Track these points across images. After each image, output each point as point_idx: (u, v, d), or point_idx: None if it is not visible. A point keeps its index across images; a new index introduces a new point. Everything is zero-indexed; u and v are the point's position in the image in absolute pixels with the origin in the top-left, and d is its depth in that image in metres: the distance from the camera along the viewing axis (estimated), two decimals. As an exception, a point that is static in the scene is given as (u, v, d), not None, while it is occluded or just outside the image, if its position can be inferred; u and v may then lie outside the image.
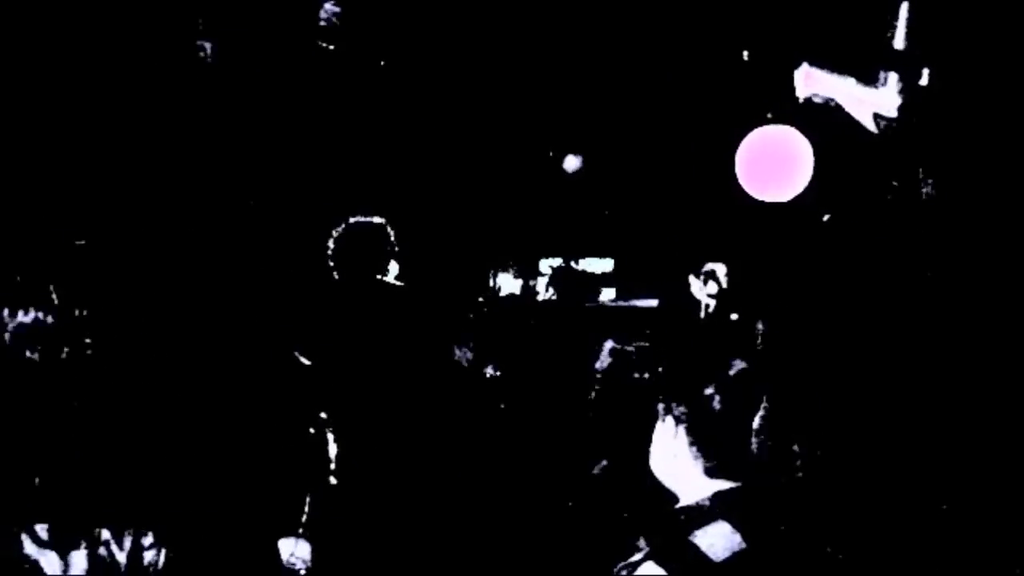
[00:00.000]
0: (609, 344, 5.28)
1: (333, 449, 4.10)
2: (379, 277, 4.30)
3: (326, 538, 3.94)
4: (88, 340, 2.67)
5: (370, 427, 4.13)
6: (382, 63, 6.66)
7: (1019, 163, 4.18)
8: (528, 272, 8.24)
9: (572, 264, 8.08)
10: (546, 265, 8.24)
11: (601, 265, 8.37)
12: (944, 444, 3.62)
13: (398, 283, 4.34)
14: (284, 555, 3.41)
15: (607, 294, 8.11)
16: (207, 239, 5.54)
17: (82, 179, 5.52)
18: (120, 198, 5.49)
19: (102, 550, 2.28)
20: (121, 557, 2.28)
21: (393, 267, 4.35)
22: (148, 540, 2.31)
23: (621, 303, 7.59)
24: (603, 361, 5.26)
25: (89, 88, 5.51)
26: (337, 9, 6.40)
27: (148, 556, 2.30)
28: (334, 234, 4.36)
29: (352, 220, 4.39)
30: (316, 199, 6.22)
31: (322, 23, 6.40)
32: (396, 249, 4.35)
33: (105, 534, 2.29)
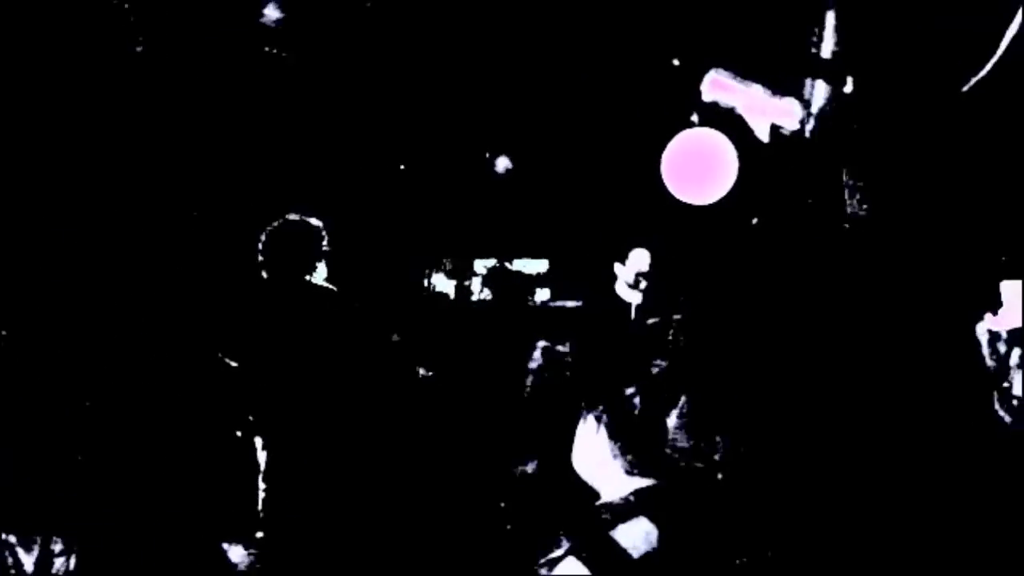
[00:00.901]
0: (541, 344, 5.31)
1: (262, 453, 4.07)
2: (307, 278, 4.26)
3: (256, 540, 3.92)
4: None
5: (299, 429, 4.11)
6: (320, 65, 6.65)
7: (947, 168, 4.26)
8: (462, 272, 8.24)
9: (506, 264, 8.10)
10: (480, 265, 8.24)
11: (536, 266, 8.39)
12: (861, 442, 3.69)
13: (327, 285, 4.31)
14: (216, 557, 3.38)
15: (542, 295, 8.14)
16: (133, 235, 5.47)
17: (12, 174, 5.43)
18: (42, 194, 5.40)
19: (8, 556, 2.23)
20: (28, 564, 2.23)
21: (321, 268, 4.31)
22: (58, 546, 2.26)
23: (553, 304, 7.63)
24: (535, 361, 5.29)
25: (18, 84, 5.42)
26: (279, 14, 6.38)
27: (57, 563, 2.26)
28: (265, 232, 4.30)
29: (285, 218, 4.32)
30: (246, 197, 6.18)
31: (264, 26, 6.37)
32: (327, 250, 4.31)
33: (11, 539, 2.24)
